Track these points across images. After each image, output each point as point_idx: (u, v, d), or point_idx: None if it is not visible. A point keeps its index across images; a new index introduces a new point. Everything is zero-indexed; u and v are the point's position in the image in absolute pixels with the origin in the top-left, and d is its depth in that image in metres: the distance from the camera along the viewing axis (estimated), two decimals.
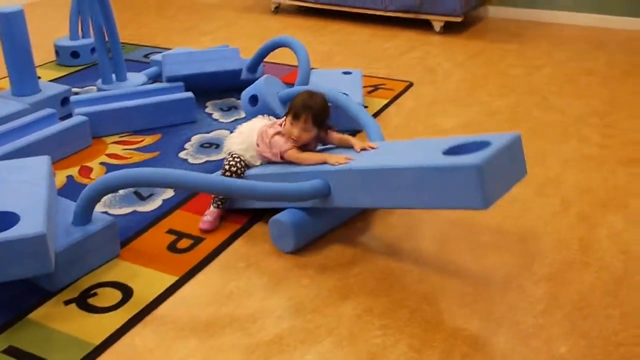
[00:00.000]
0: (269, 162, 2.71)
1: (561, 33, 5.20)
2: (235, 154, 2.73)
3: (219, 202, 2.73)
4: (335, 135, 2.70)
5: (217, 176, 2.61)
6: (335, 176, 2.44)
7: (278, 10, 6.00)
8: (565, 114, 3.75)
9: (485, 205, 2.06)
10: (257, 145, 2.70)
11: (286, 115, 2.62)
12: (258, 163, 2.73)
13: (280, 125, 2.66)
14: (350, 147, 2.64)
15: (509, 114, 3.77)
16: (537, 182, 3.00)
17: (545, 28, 5.33)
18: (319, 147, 2.74)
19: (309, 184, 2.46)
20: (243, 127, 2.81)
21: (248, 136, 2.73)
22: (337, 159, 2.48)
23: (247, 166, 2.73)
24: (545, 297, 2.28)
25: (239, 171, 2.70)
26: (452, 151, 2.24)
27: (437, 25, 5.25)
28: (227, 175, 2.68)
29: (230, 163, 2.71)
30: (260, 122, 2.78)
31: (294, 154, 2.60)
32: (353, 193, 2.41)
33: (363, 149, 2.58)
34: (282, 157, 2.62)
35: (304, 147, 2.64)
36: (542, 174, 3.06)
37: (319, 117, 2.59)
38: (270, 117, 2.87)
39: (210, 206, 2.74)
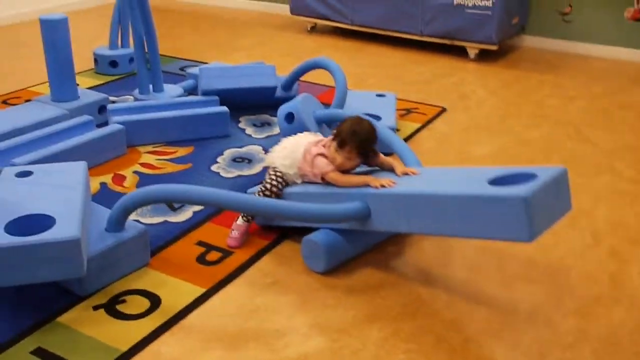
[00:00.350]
0: (310, 182, 2.69)
1: (597, 66, 5.18)
2: (277, 169, 2.72)
3: (248, 216, 2.74)
4: (380, 158, 2.66)
5: (254, 197, 2.62)
6: (377, 199, 2.42)
7: (314, 30, 6.05)
8: (599, 147, 3.73)
9: (530, 238, 2.03)
10: (300, 162, 2.67)
11: (333, 138, 2.60)
12: (299, 181, 2.70)
13: (325, 146, 2.63)
14: (391, 170, 2.61)
15: (542, 144, 3.76)
16: (569, 214, 2.94)
17: (582, 60, 5.31)
18: (361, 169, 2.71)
19: (349, 206, 2.44)
20: (288, 141, 2.78)
21: (292, 152, 2.69)
22: (380, 182, 2.46)
23: (287, 183, 2.72)
24: (573, 331, 2.26)
25: (278, 190, 2.69)
26: (497, 181, 2.22)
27: (472, 53, 5.26)
28: (267, 193, 2.68)
29: (272, 181, 2.69)
30: (305, 138, 2.75)
31: (335, 177, 2.57)
32: (393, 217, 2.39)
33: (405, 174, 2.55)
34: (322, 179, 2.61)
35: (346, 169, 2.62)
36: (574, 206, 3.00)
37: (364, 148, 2.56)
38: (317, 133, 2.84)
39: (237, 219, 2.75)
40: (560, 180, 2.16)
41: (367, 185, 2.49)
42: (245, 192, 3.00)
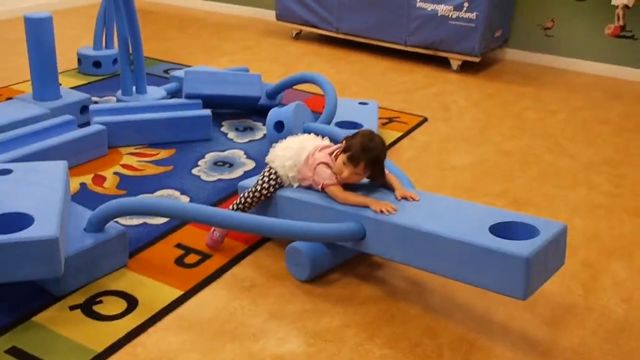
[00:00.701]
0: (307, 187, 2.65)
1: (578, 80, 5.25)
2: (274, 170, 2.66)
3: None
4: (385, 177, 2.60)
5: (242, 214, 2.54)
6: (375, 224, 2.39)
7: (299, 36, 6.08)
8: (577, 160, 3.78)
9: (525, 297, 2.07)
10: (301, 166, 2.62)
11: (342, 150, 2.52)
12: (295, 185, 2.67)
13: (331, 154, 2.58)
14: (391, 189, 2.57)
15: (521, 155, 3.81)
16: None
17: (563, 74, 5.38)
18: (362, 181, 2.64)
19: (342, 227, 2.42)
20: (293, 141, 2.70)
21: (297, 154, 2.62)
22: (381, 207, 2.41)
23: (281, 185, 2.68)
24: (545, 340, 2.29)
25: (269, 192, 2.67)
26: (498, 228, 2.23)
27: (455, 64, 5.31)
28: (257, 194, 2.67)
29: (265, 183, 2.65)
30: (312, 141, 2.69)
31: (335, 191, 2.52)
32: (388, 246, 2.37)
33: (404, 198, 2.50)
34: (322, 189, 2.58)
35: (349, 183, 2.57)
36: (549, 218, 3.07)
37: (375, 165, 2.51)
38: (324, 137, 2.79)
39: None
40: (560, 237, 2.21)
41: (367, 207, 2.45)
42: (236, 187, 3.01)
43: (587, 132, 4.20)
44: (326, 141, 2.73)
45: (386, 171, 2.62)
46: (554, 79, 5.27)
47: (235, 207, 2.73)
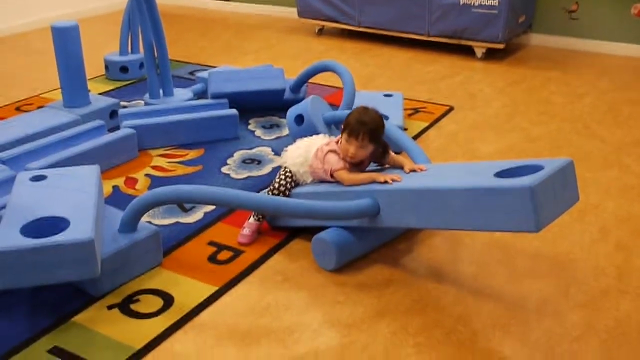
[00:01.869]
0: (320, 181, 2.73)
1: (605, 62, 5.19)
2: (288, 169, 2.76)
3: (260, 215, 2.79)
4: (391, 155, 2.71)
5: (265, 195, 2.64)
6: (386, 196, 2.45)
7: (322, 32, 6.09)
8: (607, 142, 3.74)
9: (537, 228, 2.05)
10: (312, 159, 2.71)
11: (342, 132, 2.63)
12: (309, 180, 2.75)
13: (337, 143, 2.66)
14: (400, 167, 2.65)
15: (549, 140, 3.78)
16: (577, 209, 2.98)
17: (589, 57, 5.32)
18: (371, 167, 2.75)
19: (359, 202, 2.47)
20: (302, 142, 2.80)
21: (305, 151, 2.73)
22: (385, 177, 2.49)
23: (297, 184, 2.77)
24: (581, 324, 2.28)
25: (287, 189, 2.75)
26: (503, 174, 2.24)
27: (479, 52, 5.28)
28: (275, 192, 2.74)
29: (281, 181, 2.75)
30: (320, 140, 2.79)
31: (342, 174, 2.59)
32: (402, 213, 2.42)
33: (412, 170, 2.59)
34: (331, 175, 2.63)
35: (358, 166, 2.66)
36: (581, 201, 3.03)
37: (375, 133, 2.57)
38: (331, 136, 2.87)
39: (249, 217, 2.80)
40: (567, 170, 2.17)
41: (374, 181, 2.52)
42: (265, 184, 3.06)
43: (616, 114, 4.16)
44: (333, 138, 2.80)
45: (392, 153, 2.70)
46: (580, 62, 5.21)
47: None
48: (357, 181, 2.57)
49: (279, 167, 2.88)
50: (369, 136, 2.55)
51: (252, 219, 2.79)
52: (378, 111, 2.65)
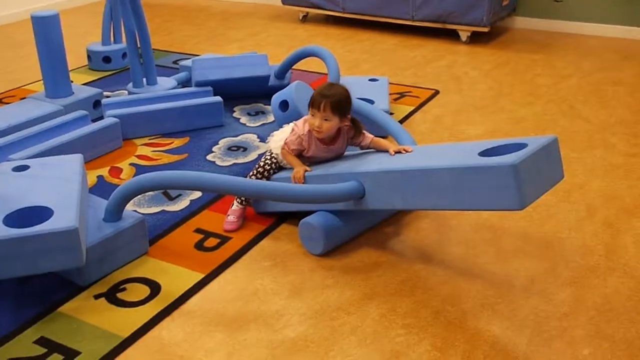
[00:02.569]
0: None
1: (588, 44, 5.20)
2: (272, 153, 2.77)
3: (243, 199, 2.77)
4: (370, 139, 2.70)
5: (248, 179, 2.64)
6: (371, 177, 2.44)
7: (306, 19, 6.06)
8: (592, 122, 3.75)
9: (521, 206, 2.04)
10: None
11: (308, 108, 2.63)
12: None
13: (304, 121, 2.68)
14: (385, 150, 2.65)
15: (535, 122, 3.78)
16: (563, 188, 3.00)
17: (573, 39, 5.33)
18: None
19: (344, 185, 2.46)
20: (289, 126, 2.80)
21: (286, 134, 2.75)
22: (300, 171, 2.60)
23: (281, 167, 2.78)
24: (568, 301, 2.29)
25: (269, 173, 2.75)
26: (488, 153, 2.23)
27: (464, 35, 5.27)
28: (258, 176, 2.74)
29: (264, 164, 2.76)
30: (300, 122, 2.76)
31: (284, 153, 2.70)
32: (388, 195, 2.41)
33: (398, 152, 2.59)
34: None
35: (330, 144, 2.67)
36: (567, 181, 3.06)
37: (337, 105, 2.56)
38: None
39: (233, 204, 2.79)
40: (551, 148, 2.16)
41: (296, 168, 2.64)
42: (249, 170, 3.03)
43: (600, 95, 4.17)
44: None
45: (372, 135, 2.71)
46: (565, 44, 5.22)
47: None
48: (289, 162, 2.69)
49: (264, 153, 2.86)
50: (331, 107, 2.55)
51: (235, 205, 2.78)
52: (347, 88, 2.65)
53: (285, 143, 2.69)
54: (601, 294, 2.32)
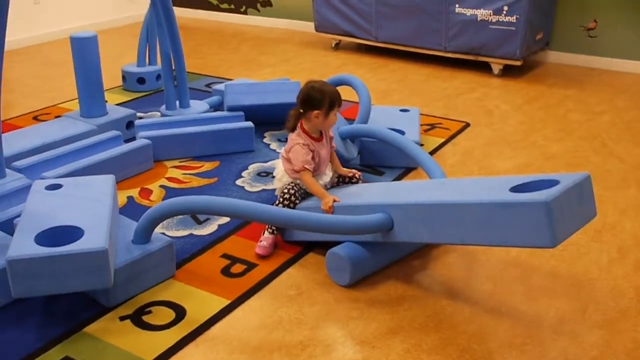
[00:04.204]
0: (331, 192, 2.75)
1: (623, 80, 5.15)
2: (292, 183, 2.80)
3: (274, 228, 2.78)
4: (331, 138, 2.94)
5: (278, 208, 2.63)
6: (399, 210, 2.42)
7: (338, 46, 6.10)
8: (625, 161, 3.70)
9: (553, 244, 2.01)
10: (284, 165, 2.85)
11: (318, 109, 2.74)
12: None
13: (299, 134, 2.80)
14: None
15: (566, 158, 3.75)
16: (594, 228, 2.96)
17: (607, 75, 5.29)
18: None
19: (372, 217, 2.45)
20: (277, 161, 2.95)
21: (283, 166, 2.89)
22: (329, 202, 2.64)
23: (306, 194, 2.79)
24: (598, 344, 2.24)
25: (293, 202, 2.76)
26: (519, 189, 2.20)
27: (496, 68, 5.26)
28: (285, 201, 2.75)
29: (289, 191, 2.77)
30: None
31: (307, 177, 2.74)
32: (416, 228, 2.39)
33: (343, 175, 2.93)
34: (297, 172, 2.75)
35: (319, 138, 2.81)
36: (599, 220, 3.02)
37: (332, 99, 2.77)
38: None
39: (264, 232, 2.79)
40: (584, 185, 2.13)
41: (321, 199, 2.69)
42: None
43: (634, 133, 4.12)
44: None
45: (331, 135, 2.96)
46: (598, 80, 5.18)
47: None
48: (312, 188, 2.73)
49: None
50: (330, 104, 2.76)
51: (266, 233, 2.78)
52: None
53: (298, 165, 2.72)
54: (632, 338, 2.27)
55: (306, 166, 2.73)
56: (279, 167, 2.91)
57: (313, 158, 2.77)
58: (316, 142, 2.81)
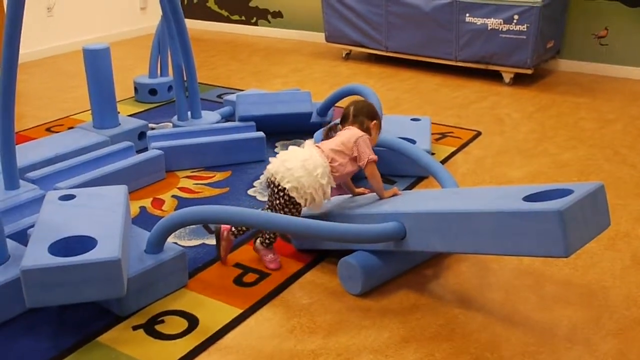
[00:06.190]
0: (337, 200, 2.74)
1: (635, 88, 5.13)
2: (286, 191, 2.59)
3: (268, 242, 2.74)
4: None
5: (290, 217, 2.53)
6: (412, 219, 2.42)
7: (349, 56, 6.12)
8: (638, 169, 3.69)
9: (566, 253, 2.00)
10: (332, 163, 2.62)
11: (369, 123, 2.77)
12: (324, 190, 2.60)
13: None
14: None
15: (579, 166, 3.73)
16: (608, 236, 2.95)
17: (618, 83, 5.27)
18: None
19: (384, 226, 2.45)
20: (291, 155, 2.66)
21: (303, 166, 2.59)
22: (391, 193, 2.75)
23: (298, 204, 2.61)
24: (612, 353, 2.23)
25: (292, 212, 2.64)
26: (532, 198, 2.20)
27: (507, 77, 5.26)
28: (293, 210, 2.69)
29: (284, 203, 2.62)
30: (307, 147, 2.71)
31: (374, 169, 2.69)
32: (429, 237, 2.39)
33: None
34: (364, 165, 2.67)
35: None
36: (612, 228, 2.99)
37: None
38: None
39: (260, 248, 2.77)
40: (597, 195, 2.13)
41: (390, 195, 2.74)
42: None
43: None
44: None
45: None
46: (610, 88, 5.16)
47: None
48: (379, 184, 2.72)
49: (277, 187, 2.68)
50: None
51: (262, 246, 2.75)
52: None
53: (372, 155, 2.67)
54: None
55: (373, 157, 2.69)
56: (308, 164, 2.59)
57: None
58: None
